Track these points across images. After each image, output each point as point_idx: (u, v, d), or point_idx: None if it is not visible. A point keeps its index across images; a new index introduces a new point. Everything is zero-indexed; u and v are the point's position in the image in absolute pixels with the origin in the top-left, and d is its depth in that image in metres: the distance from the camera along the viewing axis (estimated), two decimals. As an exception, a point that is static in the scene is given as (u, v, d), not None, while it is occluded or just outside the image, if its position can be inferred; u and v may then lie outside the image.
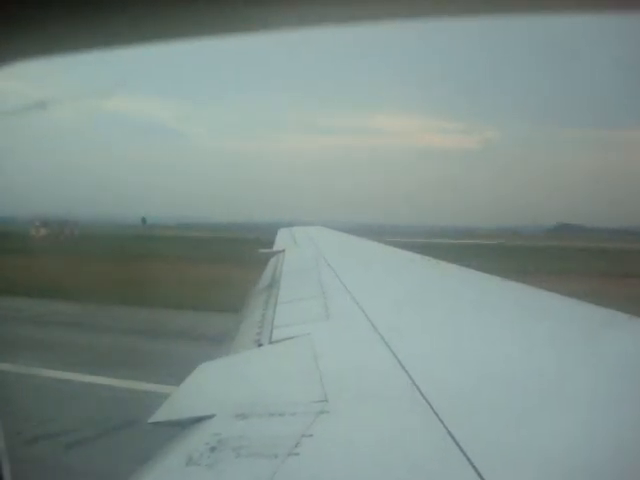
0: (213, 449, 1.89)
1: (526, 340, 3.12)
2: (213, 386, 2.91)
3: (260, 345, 3.53)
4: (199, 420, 2.26)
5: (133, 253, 42.19)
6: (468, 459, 1.63)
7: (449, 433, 1.81)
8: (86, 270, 31.69)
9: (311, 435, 1.90)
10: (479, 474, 1.55)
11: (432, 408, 2.03)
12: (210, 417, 2.25)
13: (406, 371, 2.47)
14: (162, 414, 2.49)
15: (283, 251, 10.28)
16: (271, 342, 3.50)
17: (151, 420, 2.45)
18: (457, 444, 1.73)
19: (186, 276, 30.74)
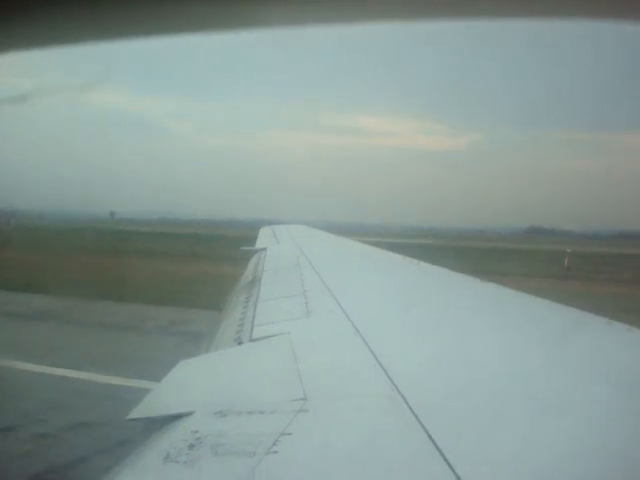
0: (191, 446, 1.89)
1: (508, 342, 3.15)
2: (192, 383, 2.90)
3: (240, 343, 3.52)
4: (178, 417, 2.25)
5: (67, 245, 41.19)
6: (445, 458, 1.65)
7: (427, 432, 1.83)
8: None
9: (290, 433, 1.90)
10: (455, 473, 1.56)
11: (410, 408, 2.05)
12: (189, 414, 2.24)
13: (385, 370, 2.49)
14: (141, 411, 2.48)
15: (265, 249, 10.26)
16: (251, 340, 3.50)
17: (130, 417, 2.43)
18: (434, 443, 1.75)
19: (98, 268, 30.91)
